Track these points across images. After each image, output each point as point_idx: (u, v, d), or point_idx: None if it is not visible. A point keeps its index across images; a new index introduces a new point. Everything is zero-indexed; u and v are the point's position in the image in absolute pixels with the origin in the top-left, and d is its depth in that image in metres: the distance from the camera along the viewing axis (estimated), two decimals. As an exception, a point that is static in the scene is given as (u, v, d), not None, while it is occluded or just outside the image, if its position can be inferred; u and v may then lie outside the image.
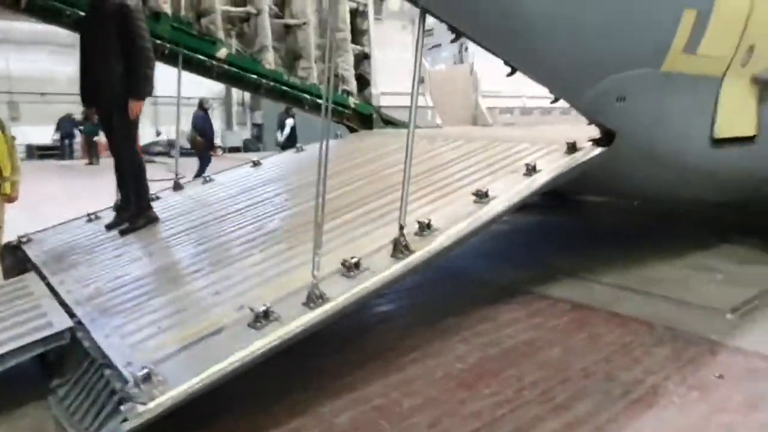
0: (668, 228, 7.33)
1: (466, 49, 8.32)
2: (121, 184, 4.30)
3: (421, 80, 6.99)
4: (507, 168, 3.76)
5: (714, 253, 6.11)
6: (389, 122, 6.37)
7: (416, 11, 7.09)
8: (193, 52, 4.99)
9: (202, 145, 10.28)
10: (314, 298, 2.37)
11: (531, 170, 3.53)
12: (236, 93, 25.56)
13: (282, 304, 2.40)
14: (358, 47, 6.23)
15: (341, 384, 3.04)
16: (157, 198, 4.71)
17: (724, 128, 4.66)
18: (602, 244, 6.64)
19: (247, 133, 26.30)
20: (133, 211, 4.11)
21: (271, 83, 5.51)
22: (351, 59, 6.08)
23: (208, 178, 5.20)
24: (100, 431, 2.08)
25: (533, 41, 3.21)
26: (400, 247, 2.72)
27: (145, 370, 1.99)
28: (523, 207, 3.74)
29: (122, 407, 1.90)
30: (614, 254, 5.78)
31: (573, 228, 7.49)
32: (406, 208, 2.77)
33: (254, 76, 5.41)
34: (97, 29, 3.82)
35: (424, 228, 2.90)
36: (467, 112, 7.47)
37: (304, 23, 5.70)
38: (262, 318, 2.29)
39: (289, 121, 11.79)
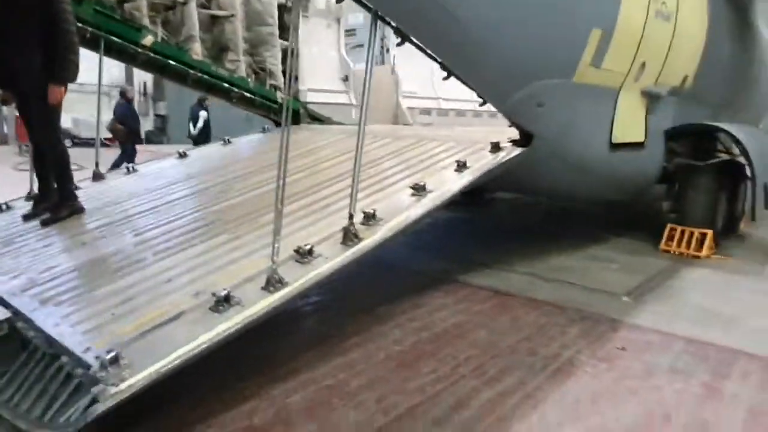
0: (567, 224, 8.08)
1: (387, 50, 8.59)
2: (41, 174, 4.07)
3: (345, 78, 7.17)
4: (438, 164, 4.03)
5: (608, 246, 6.86)
6: (315, 118, 6.47)
7: (341, 10, 7.28)
8: (116, 37, 4.79)
9: (122, 133, 9.77)
10: (273, 283, 2.47)
11: (461, 167, 3.83)
12: (137, 82, 24.18)
13: (240, 289, 2.48)
14: (286, 42, 6.25)
15: (288, 368, 3.15)
16: (77, 188, 4.49)
17: (619, 134, 5.28)
18: (513, 238, 7.20)
19: (149, 125, 24.96)
20: (56, 200, 3.91)
21: (199, 74, 5.41)
22: (279, 54, 6.11)
23: (132, 169, 5.03)
24: (58, 418, 2.06)
25: (469, 49, 3.50)
26: (350, 235, 2.88)
27: (113, 353, 2.00)
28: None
29: (93, 389, 1.90)
30: (524, 247, 6.31)
31: (486, 223, 8.02)
32: (356, 198, 2.94)
33: (181, 66, 5.28)
34: (13, 11, 3.58)
35: (370, 218, 3.08)
36: (388, 112, 7.74)
37: (232, 15, 5.66)
38: (224, 302, 2.35)
39: (203, 114, 11.45)
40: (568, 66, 4.13)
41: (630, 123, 5.42)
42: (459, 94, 9.81)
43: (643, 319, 4.33)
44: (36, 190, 4.22)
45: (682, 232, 6.53)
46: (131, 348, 2.13)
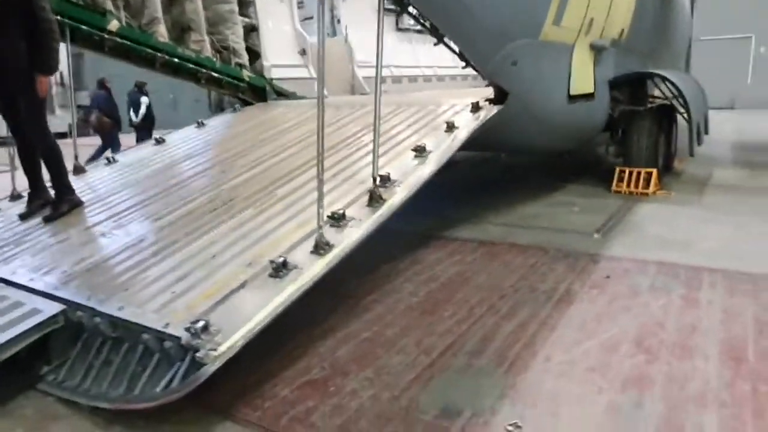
0: (526, 177, 8.62)
1: (338, 21, 8.64)
2: (31, 170, 3.99)
3: (303, 52, 7.23)
4: (429, 126, 4.31)
5: (566, 192, 7.45)
6: (281, 94, 6.52)
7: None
8: (81, 24, 4.66)
9: (108, 125, 9.51)
10: (322, 245, 2.68)
11: (451, 127, 4.12)
12: (51, 71, 22.56)
13: (292, 255, 2.67)
14: (246, 19, 6.23)
15: (324, 328, 3.39)
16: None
17: (575, 87, 5.73)
18: (480, 193, 7.65)
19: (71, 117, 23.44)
20: (56, 196, 3.88)
21: (166, 57, 5.34)
22: (240, 31, 6.09)
23: (112, 159, 4.97)
24: (150, 390, 2.21)
25: (459, 17, 3.74)
26: (375, 197, 3.11)
27: (202, 322, 2.17)
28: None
29: (199, 354, 2.07)
30: (493, 200, 6.76)
31: (453, 182, 8.41)
32: (377, 162, 3.16)
33: (148, 50, 5.20)
34: None
35: (386, 180, 3.32)
36: (345, 83, 7.86)
37: (193, -5, 5.58)
38: (282, 268, 2.55)
39: (144, 100, 11.03)
40: (536, 26, 4.47)
41: (583, 76, 5.89)
42: (407, 60, 10.08)
43: (616, 251, 4.86)
44: (18, 188, 4.13)
45: (630, 173, 7.19)
46: (212, 317, 2.30)
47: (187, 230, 3.24)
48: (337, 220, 2.95)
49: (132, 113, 11.16)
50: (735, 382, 2.72)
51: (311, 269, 2.57)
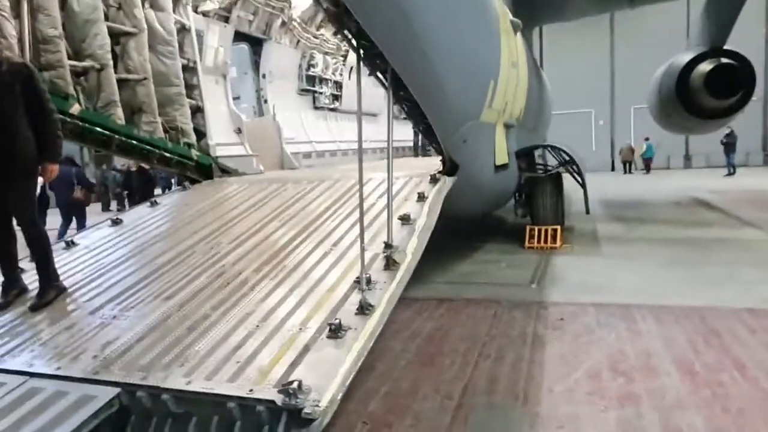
0: (447, 238, 9.39)
1: (266, 101, 9.02)
2: (6, 260, 3.82)
3: (239, 130, 7.51)
4: (400, 197, 4.80)
5: (487, 251, 8.32)
6: (225, 171, 6.68)
7: (226, 66, 7.62)
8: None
9: (89, 198, 9.46)
10: (367, 306, 2.99)
11: (422, 197, 4.66)
12: None
13: (341, 317, 2.93)
14: (192, 101, 6.41)
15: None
16: (23, 270, 4.18)
17: (498, 159, 6.65)
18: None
19: None
20: (41, 283, 3.74)
21: (123, 139, 5.34)
22: (188, 112, 6.25)
23: (71, 243, 4.79)
24: None
25: (437, 95, 4.37)
26: (391, 262, 3.50)
27: (296, 382, 2.37)
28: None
29: (306, 410, 2.26)
30: (429, 262, 7.34)
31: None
32: (391, 228, 3.57)
33: (106, 132, 5.18)
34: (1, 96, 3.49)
35: (390, 246, 3.72)
36: (276, 158, 8.18)
37: (145, 78, 5.69)
38: (339, 329, 2.81)
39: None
40: (479, 109, 5.28)
41: (502, 149, 6.86)
42: (324, 136, 10.68)
43: (555, 297, 5.64)
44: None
45: (539, 231, 8.24)
46: (296, 377, 2.48)
47: (212, 305, 3.34)
48: (368, 283, 3.27)
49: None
50: (698, 390, 3.42)
51: (365, 328, 2.85)
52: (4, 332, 3.38)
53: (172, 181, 18.05)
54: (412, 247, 3.78)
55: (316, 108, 10.61)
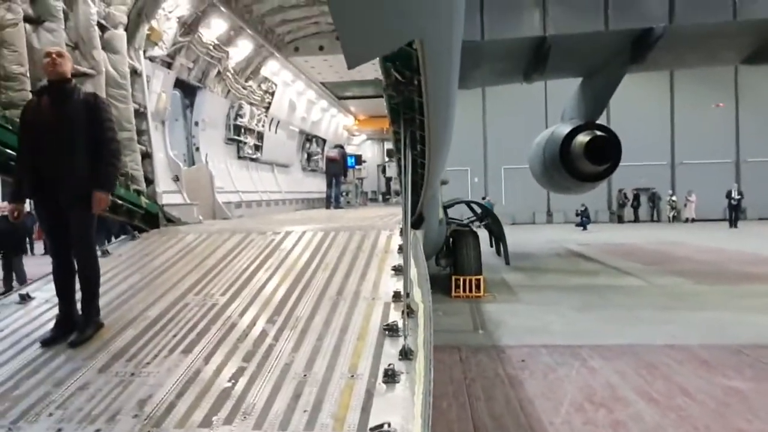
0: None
1: (197, 149, 8.76)
2: (67, 296, 3.71)
3: (177, 178, 7.29)
4: (380, 249, 5.05)
5: (419, 299, 8.69)
6: (170, 220, 6.40)
7: (166, 112, 7.50)
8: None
9: None
10: (409, 352, 3.18)
11: (401, 249, 4.95)
12: None
13: (386, 361, 3.08)
14: (141, 147, 6.14)
15: None
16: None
17: (440, 213, 7.21)
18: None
19: None
20: (84, 318, 3.64)
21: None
22: (138, 158, 5.97)
23: (27, 296, 4.33)
24: None
25: (443, 160, 4.76)
26: (410, 310, 3.72)
27: (386, 426, 2.50)
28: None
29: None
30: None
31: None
32: (408, 278, 3.81)
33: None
34: (63, 121, 3.55)
35: (398, 296, 3.95)
36: (208, 208, 7.97)
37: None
38: (393, 373, 2.97)
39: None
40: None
41: (439, 206, 7.44)
42: (248, 185, 10.55)
43: (506, 341, 6.17)
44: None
45: (464, 280, 8.86)
46: (376, 422, 2.59)
47: (241, 357, 3.29)
48: (396, 330, 3.46)
49: None
50: (666, 414, 4.04)
51: (417, 371, 3.03)
52: (19, 394, 3.03)
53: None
54: (419, 297, 4.03)
55: (239, 158, 10.50)
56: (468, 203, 9.83)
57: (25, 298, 4.40)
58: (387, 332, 3.50)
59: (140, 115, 6.16)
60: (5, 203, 8.25)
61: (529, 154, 15.21)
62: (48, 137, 3.52)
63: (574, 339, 6.08)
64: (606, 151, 12.21)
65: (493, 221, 9.45)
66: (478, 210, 10.80)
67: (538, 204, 30.53)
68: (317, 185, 14.74)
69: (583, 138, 12.39)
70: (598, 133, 12.34)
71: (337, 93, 15.16)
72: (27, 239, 15.32)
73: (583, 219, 25.06)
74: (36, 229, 17.02)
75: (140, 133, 6.11)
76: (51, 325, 3.76)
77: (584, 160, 12.20)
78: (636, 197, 30.25)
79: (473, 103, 30.29)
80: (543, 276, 11.03)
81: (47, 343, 3.43)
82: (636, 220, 29.79)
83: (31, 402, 2.99)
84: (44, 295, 4.47)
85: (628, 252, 14.91)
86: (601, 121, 12.90)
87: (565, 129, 12.91)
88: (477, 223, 10.20)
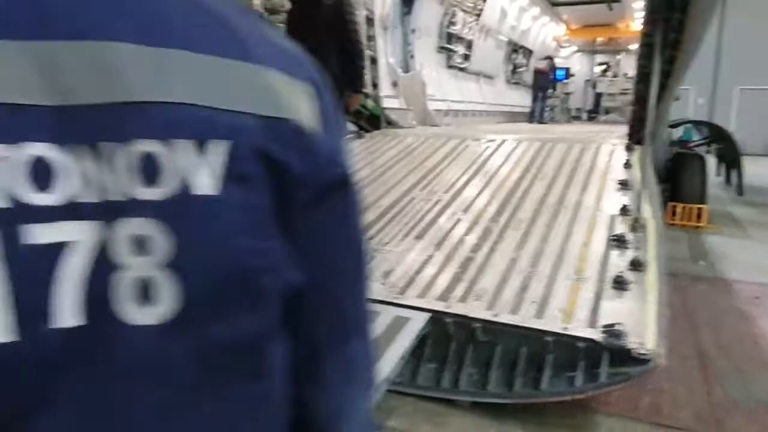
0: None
1: (412, 56, 9.10)
2: None
3: (395, 84, 7.65)
4: (601, 162, 4.86)
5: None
6: (390, 123, 6.87)
7: (389, 19, 7.66)
8: None
9: None
10: (639, 263, 3.13)
11: (628, 165, 4.70)
12: None
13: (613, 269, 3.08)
14: (369, 52, 6.57)
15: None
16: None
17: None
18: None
19: None
20: None
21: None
22: (367, 63, 6.41)
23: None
24: (559, 385, 2.56)
25: None
26: (636, 224, 3.60)
27: (619, 326, 2.56)
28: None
29: (641, 352, 2.45)
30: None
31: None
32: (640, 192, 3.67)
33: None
34: (312, 30, 3.79)
35: (625, 210, 3.83)
36: (420, 114, 8.31)
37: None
38: (623, 282, 2.96)
39: None
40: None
41: (667, 123, 6.72)
42: (457, 95, 10.70)
43: (733, 275, 5.58)
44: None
45: (684, 208, 8.07)
46: (606, 321, 2.67)
47: (469, 247, 3.56)
48: (623, 242, 3.40)
49: None
50: None
51: (648, 283, 2.99)
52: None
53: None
54: (648, 213, 3.85)
55: (449, 67, 10.61)
56: (697, 123, 8.71)
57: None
58: (614, 242, 3.45)
59: (368, 21, 6.53)
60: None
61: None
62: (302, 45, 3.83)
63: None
64: None
65: (726, 146, 8.30)
66: (707, 133, 9.54)
67: (774, 132, 25.57)
68: (520, 98, 14.26)
69: None
70: None
71: (553, -2, 14.11)
72: None
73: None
74: None
75: (369, 38, 6.51)
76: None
77: None
78: None
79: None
80: (777, 212, 9.52)
81: None
82: None
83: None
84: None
85: None
86: None
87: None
88: (705, 148, 9.06)
